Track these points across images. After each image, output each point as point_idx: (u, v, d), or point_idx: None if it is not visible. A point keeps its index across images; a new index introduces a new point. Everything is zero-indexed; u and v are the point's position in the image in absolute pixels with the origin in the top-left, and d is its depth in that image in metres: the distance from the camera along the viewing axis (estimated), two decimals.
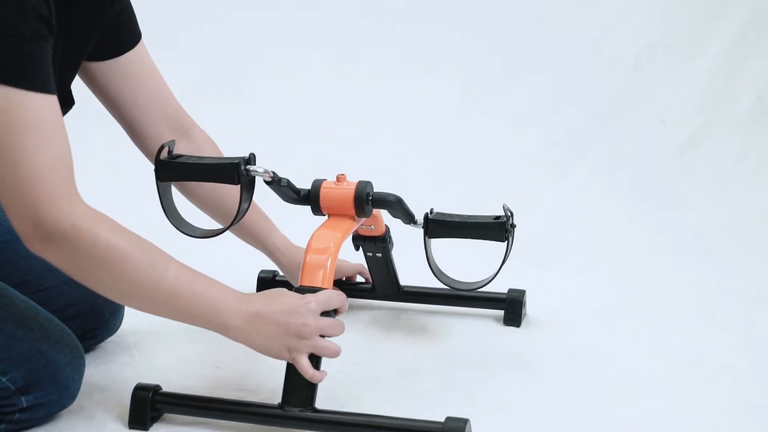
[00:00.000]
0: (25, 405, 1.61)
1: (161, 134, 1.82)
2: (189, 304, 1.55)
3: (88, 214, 1.47)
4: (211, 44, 3.25)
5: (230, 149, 1.96)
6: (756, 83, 3.11)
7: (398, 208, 1.84)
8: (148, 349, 1.94)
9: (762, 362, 1.92)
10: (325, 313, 1.63)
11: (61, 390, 1.63)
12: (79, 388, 1.66)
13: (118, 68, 1.77)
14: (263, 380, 1.81)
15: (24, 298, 1.67)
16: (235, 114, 3.10)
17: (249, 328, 1.59)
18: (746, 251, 2.51)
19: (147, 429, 1.65)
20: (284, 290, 1.65)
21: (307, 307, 1.60)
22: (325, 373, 1.63)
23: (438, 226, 1.89)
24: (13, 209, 1.44)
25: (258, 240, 2.04)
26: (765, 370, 1.89)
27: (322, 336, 1.61)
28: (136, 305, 1.57)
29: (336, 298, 1.65)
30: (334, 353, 1.63)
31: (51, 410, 1.64)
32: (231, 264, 2.34)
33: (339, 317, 1.66)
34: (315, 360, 1.62)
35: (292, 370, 1.62)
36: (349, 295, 2.11)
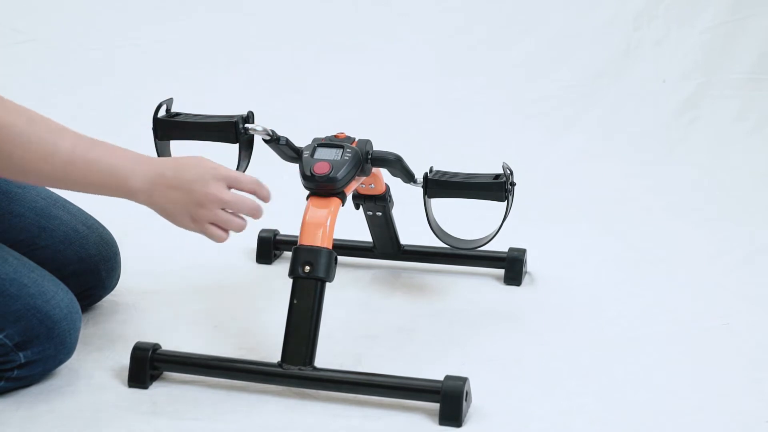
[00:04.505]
0: (23, 361, 1.60)
1: None
2: (89, 173, 1.50)
3: None
4: (202, 11, 3.22)
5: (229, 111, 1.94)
6: (756, 42, 3.09)
7: (398, 166, 1.83)
8: (147, 308, 1.93)
9: (761, 320, 1.92)
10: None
11: (57, 345, 1.62)
12: (76, 343, 1.66)
13: None
14: (262, 339, 1.81)
15: (18, 255, 1.66)
16: (229, 78, 3.08)
17: (152, 190, 1.52)
18: (745, 210, 2.50)
19: (146, 387, 1.65)
20: (201, 157, 1.56)
21: (214, 172, 1.54)
22: (227, 235, 1.55)
23: (437, 186, 1.87)
24: None
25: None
26: (764, 327, 1.89)
27: (225, 210, 1.55)
28: (38, 181, 1.53)
29: (248, 203, 1.56)
30: (238, 227, 1.56)
31: (49, 366, 1.64)
32: None
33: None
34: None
35: (291, 329, 1.62)
36: (349, 255, 2.12)
